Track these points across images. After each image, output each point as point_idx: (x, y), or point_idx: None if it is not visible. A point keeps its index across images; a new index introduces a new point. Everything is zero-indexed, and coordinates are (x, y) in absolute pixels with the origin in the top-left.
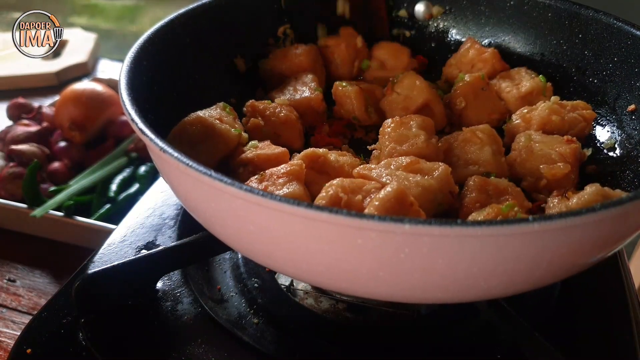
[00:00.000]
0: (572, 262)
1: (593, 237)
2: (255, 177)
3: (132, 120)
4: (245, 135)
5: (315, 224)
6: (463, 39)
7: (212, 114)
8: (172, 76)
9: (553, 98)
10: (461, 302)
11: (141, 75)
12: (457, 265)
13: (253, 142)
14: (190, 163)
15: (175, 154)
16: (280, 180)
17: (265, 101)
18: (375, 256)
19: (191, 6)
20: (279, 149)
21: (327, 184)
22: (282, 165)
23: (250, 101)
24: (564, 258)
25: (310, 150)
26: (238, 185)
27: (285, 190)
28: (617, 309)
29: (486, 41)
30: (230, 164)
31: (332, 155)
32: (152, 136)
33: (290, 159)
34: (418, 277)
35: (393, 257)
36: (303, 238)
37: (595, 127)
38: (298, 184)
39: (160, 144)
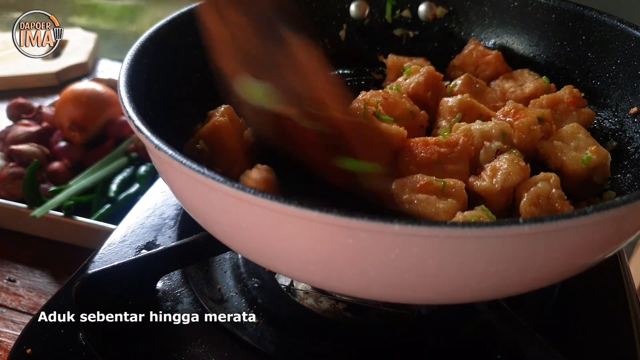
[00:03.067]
0: (566, 264)
1: (586, 240)
2: None
3: (129, 117)
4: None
5: (306, 223)
6: (467, 40)
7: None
8: (174, 75)
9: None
10: (454, 303)
11: (142, 73)
12: (447, 266)
13: None
14: (184, 160)
15: (170, 151)
16: None
17: None
18: (366, 256)
19: (193, 5)
20: None
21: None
22: None
23: None
24: (557, 261)
25: None
26: (230, 183)
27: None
28: (617, 309)
29: (490, 42)
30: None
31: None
32: (148, 133)
33: None
34: (409, 278)
35: (384, 257)
36: (294, 237)
37: (596, 128)
38: None
39: (156, 140)
